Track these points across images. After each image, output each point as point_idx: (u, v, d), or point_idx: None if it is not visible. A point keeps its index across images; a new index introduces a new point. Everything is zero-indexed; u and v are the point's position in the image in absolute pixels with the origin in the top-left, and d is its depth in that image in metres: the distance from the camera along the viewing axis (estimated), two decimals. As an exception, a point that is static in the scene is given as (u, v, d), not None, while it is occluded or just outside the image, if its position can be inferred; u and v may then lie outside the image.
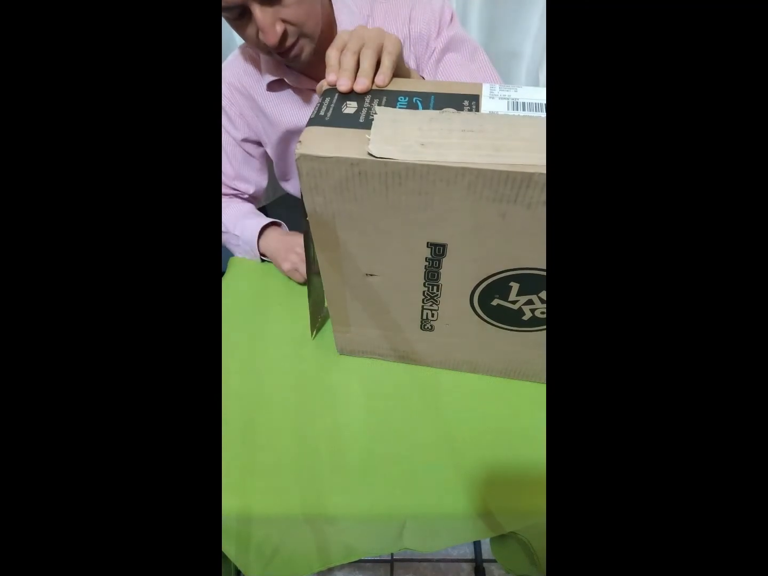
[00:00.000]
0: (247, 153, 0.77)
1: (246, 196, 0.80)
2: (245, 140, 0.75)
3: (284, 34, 0.55)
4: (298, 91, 0.69)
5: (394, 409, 0.54)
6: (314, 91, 0.68)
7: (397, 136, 0.37)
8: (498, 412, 0.54)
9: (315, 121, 0.39)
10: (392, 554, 1.00)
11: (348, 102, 0.40)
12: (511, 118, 0.38)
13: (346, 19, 0.64)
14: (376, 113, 0.39)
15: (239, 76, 0.70)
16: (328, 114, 0.39)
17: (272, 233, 0.73)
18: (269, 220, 0.73)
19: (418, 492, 0.48)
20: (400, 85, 0.42)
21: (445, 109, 0.39)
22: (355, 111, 0.40)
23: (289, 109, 0.71)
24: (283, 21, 0.54)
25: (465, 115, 0.38)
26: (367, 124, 0.38)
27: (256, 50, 0.62)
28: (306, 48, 0.59)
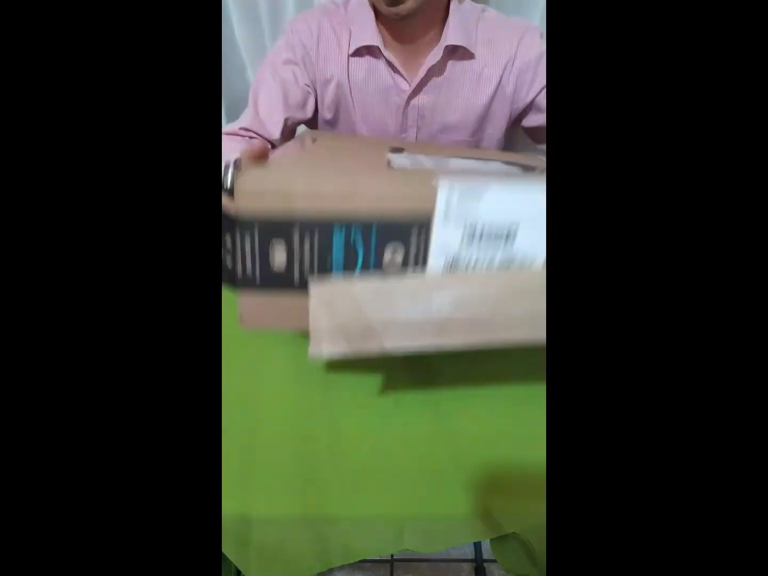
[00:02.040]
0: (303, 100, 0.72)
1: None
2: (307, 85, 0.71)
3: None
4: (382, 66, 0.68)
5: (393, 410, 0.54)
6: (399, 73, 0.67)
7: (339, 321, 0.32)
8: (498, 412, 0.54)
9: (244, 282, 0.33)
10: (392, 554, 0.99)
11: (275, 244, 0.32)
12: (462, 294, 0.32)
13: (455, 23, 0.65)
14: (310, 275, 0.32)
15: (319, 27, 0.67)
16: (257, 272, 0.33)
17: None
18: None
19: (418, 492, 0.48)
20: (336, 202, 0.32)
21: (387, 258, 0.33)
22: (286, 266, 0.33)
23: (363, 81, 0.69)
24: None
25: (409, 280, 0.32)
26: (304, 286, 0.32)
27: None
28: (409, 1, 0.58)
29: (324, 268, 0.33)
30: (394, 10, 0.60)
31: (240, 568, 0.58)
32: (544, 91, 0.69)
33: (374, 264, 0.33)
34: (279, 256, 0.33)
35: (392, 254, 0.33)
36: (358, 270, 0.33)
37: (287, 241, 0.32)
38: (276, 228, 0.32)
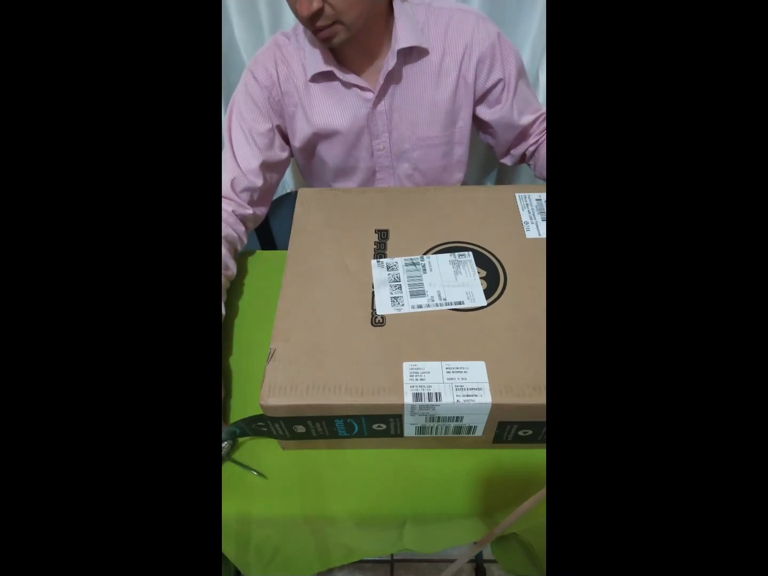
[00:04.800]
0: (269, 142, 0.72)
1: (248, 212, 0.69)
2: (270, 130, 0.71)
3: (318, 12, 0.55)
4: (341, 86, 0.69)
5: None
6: (359, 87, 0.68)
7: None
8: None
9: (278, 436, 0.48)
10: (392, 554, 1.00)
11: (296, 424, 0.45)
12: None
13: (403, 26, 0.65)
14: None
15: (275, 65, 0.69)
16: (286, 433, 0.47)
17: None
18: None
19: (418, 492, 0.48)
20: (334, 410, 0.44)
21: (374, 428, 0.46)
22: (305, 432, 0.46)
23: (327, 105, 0.70)
24: (324, 0, 0.54)
25: None
26: (318, 437, 0.48)
27: (298, 19, 0.60)
28: (340, 35, 0.59)
29: (332, 434, 0.47)
30: (327, 44, 0.62)
31: (240, 568, 0.58)
32: (501, 84, 0.71)
33: (366, 433, 0.47)
34: (300, 429, 0.46)
35: (377, 427, 0.46)
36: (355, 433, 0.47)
37: (304, 424, 0.46)
38: (294, 420, 0.45)
